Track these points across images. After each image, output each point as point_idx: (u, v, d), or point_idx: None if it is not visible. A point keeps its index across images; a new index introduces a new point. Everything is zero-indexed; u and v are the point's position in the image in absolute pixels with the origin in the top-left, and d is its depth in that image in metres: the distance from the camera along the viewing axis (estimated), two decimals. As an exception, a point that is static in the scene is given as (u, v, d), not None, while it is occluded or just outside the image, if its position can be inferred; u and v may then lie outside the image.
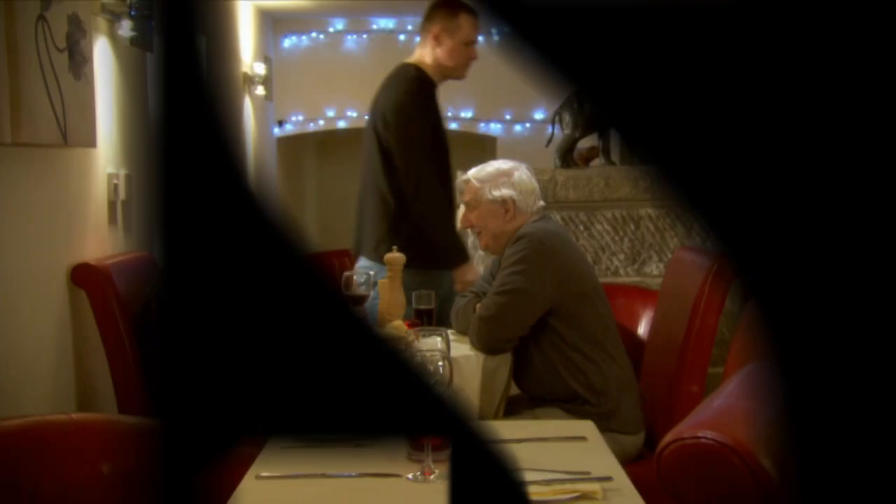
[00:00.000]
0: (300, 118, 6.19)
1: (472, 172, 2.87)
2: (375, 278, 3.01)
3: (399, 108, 3.29)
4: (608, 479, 1.53)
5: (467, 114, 6.24)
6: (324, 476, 1.59)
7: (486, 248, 2.94)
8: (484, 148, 6.40)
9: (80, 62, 2.46)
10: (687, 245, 3.99)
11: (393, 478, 1.60)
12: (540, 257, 2.65)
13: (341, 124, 6.23)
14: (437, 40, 3.33)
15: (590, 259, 4.43)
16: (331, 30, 6.15)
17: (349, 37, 6.17)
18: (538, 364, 2.72)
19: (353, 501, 1.52)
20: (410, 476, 1.59)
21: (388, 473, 1.61)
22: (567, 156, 4.49)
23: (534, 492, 1.48)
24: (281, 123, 6.17)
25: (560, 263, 2.67)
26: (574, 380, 2.67)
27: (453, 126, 6.29)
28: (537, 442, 1.81)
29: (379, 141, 3.34)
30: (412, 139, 3.25)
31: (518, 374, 2.82)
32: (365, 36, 6.17)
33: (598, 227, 4.44)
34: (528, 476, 1.49)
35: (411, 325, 2.96)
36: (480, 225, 2.83)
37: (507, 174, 2.82)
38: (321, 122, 6.21)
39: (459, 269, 3.28)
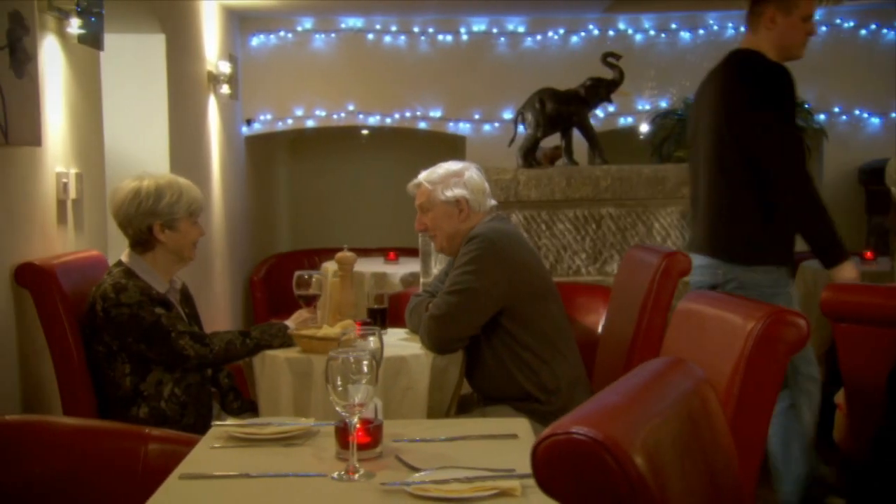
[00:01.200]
0: (268, 117, 6.18)
1: (423, 176, 2.87)
2: (723, 277, 2.98)
3: (747, 94, 3.01)
4: (529, 475, 1.54)
5: (436, 113, 6.25)
6: (247, 476, 1.59)
7: (441, 250, 2.94)
8: (454, 147, 6.41)
9: (22, 60, 2.45)
10: (641, 244, 4.02)
11: (318, 477, 1.60)
12: (492, 257, 2.66)
13: (310, 123, 6.22)
14: (773, 21, 3.06)
15: (551, 258, 4.45)
16: (299, 28, 6.14)
17: (317, 36, 6.16)
18: (490, 363, 2.73)
19: (275, 501, 1.52)
20: (335, 475, 1.60)
21: (312, 473, 1.62)
22: (529, 155, 4.50)
23: (454, 489, 1.49)
24: (249, 122, 6.16)
25: (512, 263, 2.68)
26: (525, 378, 2.68)
27: (422, 125, 6.30)
28: (469, 440, 1.82)
29: (718, 133, 3.06)
30: (768, 127, 2.97)
31: (470, 372, 2.83)
32: (333, 35, 6.17)
33: (560, 226, 4.46)
34: (450, 474, 1.50)
35: (363, 325, 2.96)
36: (435, 227, 2.83)
37: (457, 174, 2.83)
38: (290, 122, 6.20)
39: (838, 268, 2.92)
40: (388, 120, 6.26)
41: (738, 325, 1.61)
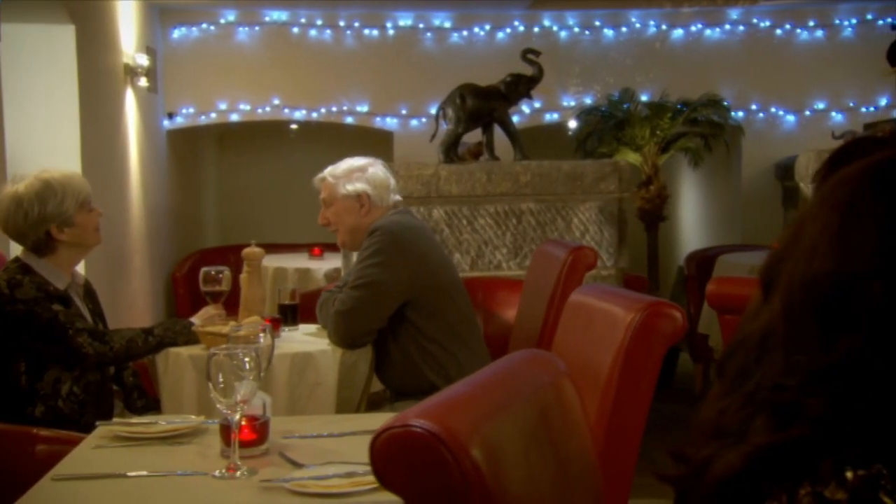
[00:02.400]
0: (191, 111, 6.07)
1: (328, 170, 2.89)
2: None
3: None
4: (410, 470, 1.54)
5: (363, 108, 6.22)
6: (122, 476, 1.56)
7: (343, 245, 2.95)
8: (382, 142, 6.38)
9: None
10: (553, 238, 4.07)
11: (199, 476, 1.58)
12: (394, 249, 2.67)
13: (234, 117, 6.13)
14: None
15: (473, 253, 4.47)
16: (221, 21, 6.04)
17: (241, 29, 6.07)
18: (397, 357, 2.74)
19: (150, 501, 1.49)
20: (216, 473, 1.58)
21: (193, 472, 1.59)
22: (450, 150, 4.52)
23: (333, 484, 1.49)
24: (171, 116, 6.04)
25: (415, 255, 2.69)
26: (432, 371, 2.69)
27: (349, 120, 6.26)
28: (358, 435, 1.81)
29: None
30: None
31: (379, 368, 2.83)
32: (257, 28, 6.08)
33: (482, 221, 4.48)
34: (333, 469, 1.48)
35: (272, 321, 2.94)
36: (337, 222, 2.84)
37: (361, 169, 2.84)
38: (213, 115, 6.10)
39: None
40: (315, 114, 6.21)
41: (620, 316, 1.64)
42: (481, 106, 4.48)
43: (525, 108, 6.12)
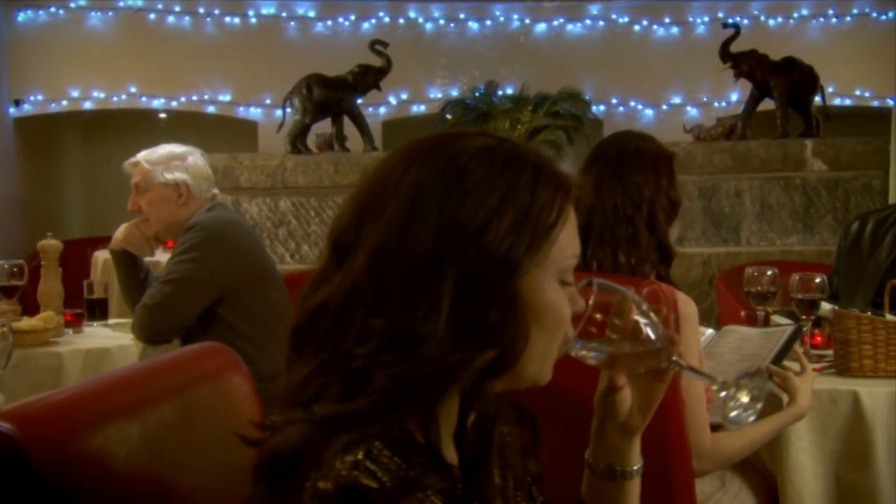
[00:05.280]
0: (40, 98, 5.81)
1: (143, 155, 2.77)
2: None
3: None
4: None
5: (225, 97, 6.09)
6: None
7: (155, 235, 2.85)
8: (247, 132, 6.26)
9: None
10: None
11: None
12: (211, 246, 2.59)
13: (87, 105, 5.91)
14: None
15: (322, 245, 4.43)
16: (72, 5, 5.81)
17: (93, 13, 5.85)
18: (207, 353, 2.68)
19: None
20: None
21: None
22: (297, 141, 4.46)
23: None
24: (18, 103, 5.77)
25: (232, 251, 2.63)
26: (242, 368, 2.65)
27: (210, 109, 6.12)
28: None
29: None
30: None
31: (189, 364, 2.76)
32: (111, 13, 5.87)
33: (330, 212, 4.44)
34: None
35: (74, 317, 2.84)
36: (151, 211, 2.73)
37: (180, 157, 2.74)
38: (64, 103, 5.86)
39: None
40: (174, 103, 6.04)
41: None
42: (329, 96, 4.44)
43: (392, 100, 6.11)
